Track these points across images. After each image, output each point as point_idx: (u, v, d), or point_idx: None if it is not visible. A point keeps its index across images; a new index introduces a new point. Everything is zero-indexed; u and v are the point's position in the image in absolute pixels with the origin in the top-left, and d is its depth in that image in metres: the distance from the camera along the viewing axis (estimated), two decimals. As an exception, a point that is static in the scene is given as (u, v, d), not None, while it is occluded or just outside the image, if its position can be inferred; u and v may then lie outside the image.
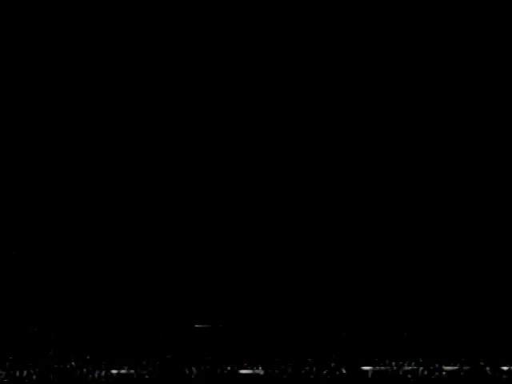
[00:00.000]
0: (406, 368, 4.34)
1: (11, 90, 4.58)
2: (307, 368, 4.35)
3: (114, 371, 4.35)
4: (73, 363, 4.35)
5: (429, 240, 4.56)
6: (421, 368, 4.34)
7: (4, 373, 4.29)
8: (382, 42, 4.58)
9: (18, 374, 4.32)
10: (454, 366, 4.35)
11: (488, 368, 4.31)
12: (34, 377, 4.31)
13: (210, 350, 4.43)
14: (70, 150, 4.59)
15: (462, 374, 4.31)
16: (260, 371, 4.34)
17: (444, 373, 4.32)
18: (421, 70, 4.61)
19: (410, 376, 4.33)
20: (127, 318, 4.50)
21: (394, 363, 4.35)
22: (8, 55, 4.56)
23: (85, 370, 4.33)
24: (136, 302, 4.51)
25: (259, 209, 4.60)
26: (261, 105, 4.62)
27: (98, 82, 4.60)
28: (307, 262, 4.54)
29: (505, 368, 4.31)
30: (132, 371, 4.34)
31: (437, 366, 4.34)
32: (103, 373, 4.33)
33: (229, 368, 4.34)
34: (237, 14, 4.58)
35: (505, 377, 4.28)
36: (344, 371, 4.33)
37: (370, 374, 4.33)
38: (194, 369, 4.35)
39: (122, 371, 4.34)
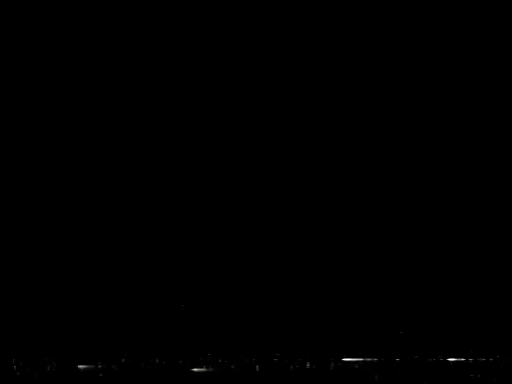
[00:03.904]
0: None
1: (11, 90, 4.59)
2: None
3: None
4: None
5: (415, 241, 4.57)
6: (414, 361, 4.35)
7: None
8: (381, 42, 4.59)
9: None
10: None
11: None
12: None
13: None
14: (70, 150, 4.60)
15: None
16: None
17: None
18: (421, 70, 4.61)
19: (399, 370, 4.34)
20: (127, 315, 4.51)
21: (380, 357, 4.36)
22: (8, 55, 4.57)
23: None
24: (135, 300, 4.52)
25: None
26: (261, 105, 4.63)
27: (97, 82, 4.61)
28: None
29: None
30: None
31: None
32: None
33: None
34: (237, 14, 4.59)
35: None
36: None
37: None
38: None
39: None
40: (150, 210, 4.57)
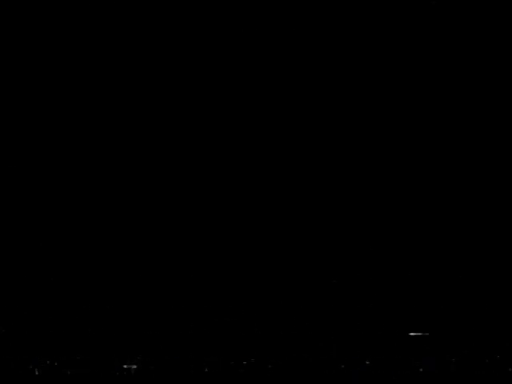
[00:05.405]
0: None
1: (11, 90, 4.59)
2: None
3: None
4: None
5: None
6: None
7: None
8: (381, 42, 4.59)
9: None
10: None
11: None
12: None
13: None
14: (70, 150, 4.60)
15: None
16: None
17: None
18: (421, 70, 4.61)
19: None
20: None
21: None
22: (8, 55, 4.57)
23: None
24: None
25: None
26: (261, 105, 4.63)
27: (98, 82, 4.61)
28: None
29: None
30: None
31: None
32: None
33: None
34: (237, 14, 4.58)
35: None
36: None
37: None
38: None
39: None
40: (151, 211, 4.58)
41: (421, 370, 4.41)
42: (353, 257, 4.56)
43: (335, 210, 4.60)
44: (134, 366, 4.44)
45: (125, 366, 4.43)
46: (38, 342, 4.51)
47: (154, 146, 4.62)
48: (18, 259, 4.56)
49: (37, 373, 4.42)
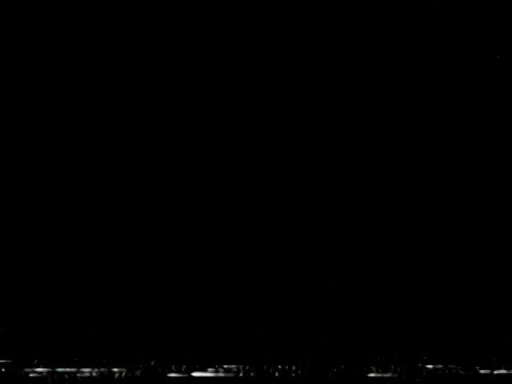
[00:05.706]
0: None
1: (11, 90, 4.59)
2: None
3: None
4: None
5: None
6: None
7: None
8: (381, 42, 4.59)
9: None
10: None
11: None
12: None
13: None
14: (70, 150, 4.60)
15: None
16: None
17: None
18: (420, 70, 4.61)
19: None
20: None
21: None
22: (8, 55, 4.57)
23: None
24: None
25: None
26: (261, 105, 4.63)
27: (97, 83, 4.61)
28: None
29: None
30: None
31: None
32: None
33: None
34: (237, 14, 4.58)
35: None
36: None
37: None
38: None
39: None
40: (151, 211, 4.58)
41: (421, 369, 4.41)
42: (353, 257, 4.56)
43: (335, 209, 4.60)
44: (134, 366, 4.45)
45: (124, 367, 4.44)
46: (37, 342, 4.51)
47: (154, 146, 4.63)
48: (18, 259, 4.56)
49: (36, 373, 4.42)
